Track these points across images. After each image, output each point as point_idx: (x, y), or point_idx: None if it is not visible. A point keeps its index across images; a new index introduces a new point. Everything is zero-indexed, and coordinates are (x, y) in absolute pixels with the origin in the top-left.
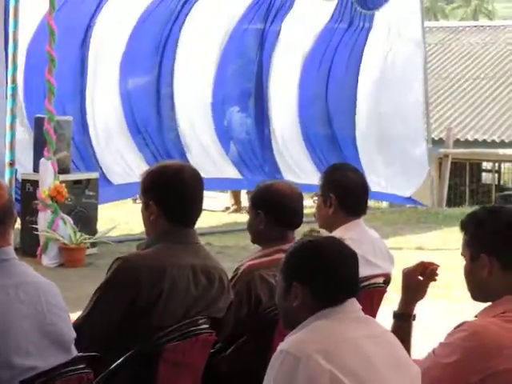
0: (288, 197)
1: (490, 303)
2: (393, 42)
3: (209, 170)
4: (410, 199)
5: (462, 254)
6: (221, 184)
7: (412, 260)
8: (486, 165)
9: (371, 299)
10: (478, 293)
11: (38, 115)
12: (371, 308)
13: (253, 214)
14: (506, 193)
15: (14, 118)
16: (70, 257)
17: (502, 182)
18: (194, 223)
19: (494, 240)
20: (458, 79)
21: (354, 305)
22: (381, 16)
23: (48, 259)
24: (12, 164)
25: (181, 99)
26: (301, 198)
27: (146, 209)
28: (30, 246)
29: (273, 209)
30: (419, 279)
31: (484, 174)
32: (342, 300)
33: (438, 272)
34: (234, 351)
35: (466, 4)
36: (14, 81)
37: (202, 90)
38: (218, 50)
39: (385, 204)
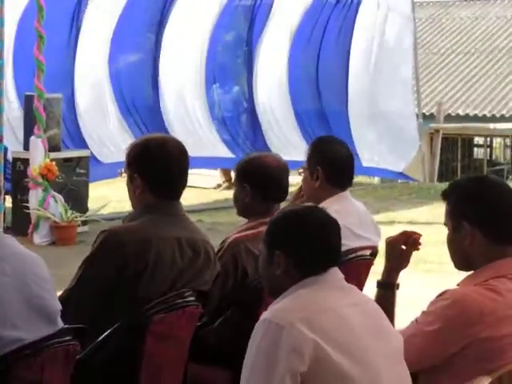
0: (274, 170)
1: (472, 272)
2: (382, 17)
3: (200, 148)
4: (401, 174)
5: (444, 224)
6: (212, 162)
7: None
8: (477, 140)
9: (358, 272)
10: (460, 262)
11: (27, 93)
12: (358, 280)
13: (238, 187)
14: (498, 167)
15: (0, 93)
16: (61, 235)
17: (493, 157)
18: (179, 196)
19: (476, 209)
20: (449, 54)
21: (336, 274)
22: None
23: (39, 237)
24: (0, 140)
25: (171, 77)
26: (287, 172)
27: (131, 182)
28: (21, 225)
29: (258, 182)
30: (402, 248)
31: (476, 149)
32: (324, 269)
33: (420, 241)
34: (221, 323)
35: None
36: (0, 57)
37: (195, 67)
38: (210, 26)
39: (376, 180)
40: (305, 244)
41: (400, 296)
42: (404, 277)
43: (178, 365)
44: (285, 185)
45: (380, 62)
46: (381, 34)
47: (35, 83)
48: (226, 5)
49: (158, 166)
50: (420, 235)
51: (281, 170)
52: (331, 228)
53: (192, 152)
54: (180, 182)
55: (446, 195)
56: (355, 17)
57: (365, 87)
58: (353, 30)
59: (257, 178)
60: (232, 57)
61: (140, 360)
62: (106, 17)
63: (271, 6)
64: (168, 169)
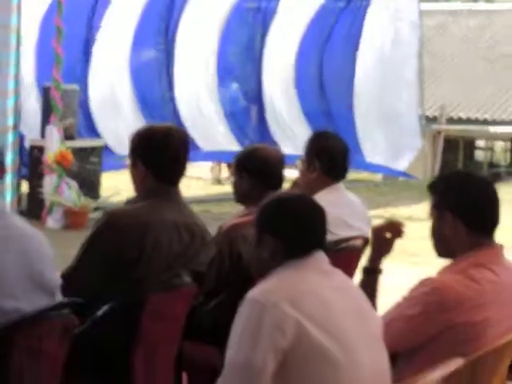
0: (271, 161)
1: (451, 261)
2: (390, 21)
3: (212, 142)
4: (403, 173)
5: (429, 214)
6: (224, 156)
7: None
8: (479, 143)
9: (349, 260)
10: (442, 250)
11: (45, 84)
12: (349, 268)
13: (237, 176)
14: (496, 170)
15: (17, 83)
16: (73, 219)
17: (494, 160)
18: (179, 182)
19: (459, 200)
20: (454, 60)
21: (320, 257)
22: None
23: (53, 221)
24: (15, 127)
25: (185, 74)
26: (282, 163)
27: (134, 167)
28: (36, 209)
29: (256, 172)
30: (386, 236)
31: (477, 152)
32: (309, 252)
33: (404, 230)
34: (216, 304)
35: None
36: (17, 49)
37: (206, 66)
38: (221, 26)
39: (379, 177)
40: (291, 228)
41: (394, 285)
42: (401, 269)
43: (172, 342)
44: (280, 174)
45: (386, 65)
46: (388, 39)
47: (53, 75)
48: (236, 5)
49: (160, 153)
50: (403, 224)
51: (277, 161)
52: (317, 214)
53: (205, 146)
54: (180, 169)
55: (432, 187)
56: (363, 21)
57: (371, 88)
58: (360, 33)
59: (255, 168)
60: (241, 56)
61: (136, 336)
62: (126, 14)
63: (277, 9)
64: (169, 156)
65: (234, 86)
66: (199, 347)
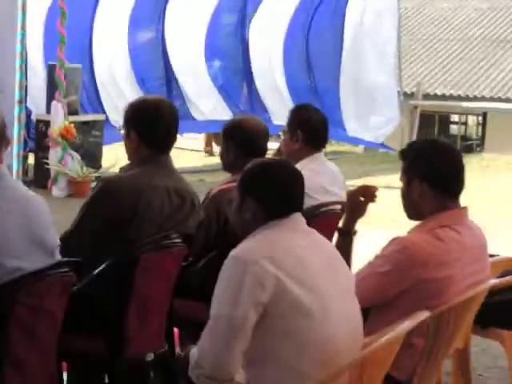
0: (255, 132)
1: (420, 221)
2: (370, 4)
3: (206, 113)
4: (382, 144)
5: (400, 179)
6: (216, 125)
7: (380, 197)
8: (453, 117)
9: (328, 223)
10: (411, 212)
11: (50, 63)
12: (328, 231)
13: (224, 145)
14: (469, 142)
15: (22, 61)
16: (77, 188)
17: (467, 133)
18: (170, 150)
19: (427, 166)
20: (431, 40)
21: (298, 218)
22: None
23: (58, 190)
24: (21, 102)
25: (178, 53)
26: (266, 133)
27: (127, 137)
28: (42, 179)
29: (241, 142)
30: (361, 200)
31: (452, 126)
32: (288, 214)
33: (376, 194)
34: (204, 265)
35: None
36: (23, 28)
37: (197, 46)
38: (211, 9)
39: (360, 149)
40: (272, 191)
41: (374, 247)
42: (378, 233)
43: (163, 299)
44: (264, 144)
45: (367, 45)
46: (369, 21)
47: (57, 54)
48: None
49: (152, 123)
50: (376, 189)
51: (261, 132)
52: (295, 179)
53: (200, 117)
54: (170, 139)
55: (402, 155)
56: (345, 4)
57: (353, 65)
58: (344, 15)
59: (240, 138)
60: (229, 37)
61: (129, 293)
62: None
63: None
64: (161, 126)
65: (217, 63)
66: (189, 303)
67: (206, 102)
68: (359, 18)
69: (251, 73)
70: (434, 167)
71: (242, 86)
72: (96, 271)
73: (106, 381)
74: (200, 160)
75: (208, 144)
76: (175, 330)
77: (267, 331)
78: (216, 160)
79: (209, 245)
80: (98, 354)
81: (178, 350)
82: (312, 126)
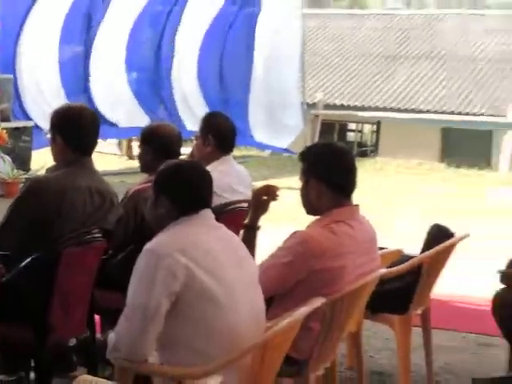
0: (170, 137)
1: (318, 217)
2: (278, 24)
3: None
4: (286, 150)
5: (299, 179)
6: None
7: (281, 196)
8: (351, 126)
9: (235, 219)
10: (309, 208)
11: None
12: (235, 226)
13: (142, 149)
14: (364, 148)
15: None
16: (7, 189)
17: (363, 140)
18: (91, 152)
19: (322, 168)
20: (331, 55)
21: (207, 214)
22: (267, 0)
23: None
24: None
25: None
26: (180, 139)
27: (53, 141)
28: None
29: (158, 146)
30: (264, 198)
31: (349, 133)
32: (198, 210)
33: (278, 193)
34: (122, 258)
35: None
36: None
37: (118, 58)
38: (131, 24)
39: (267, 153)
40: (183, 190)
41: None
42: (280, 228)
43: (85, 289)
44: (178, 147)
45: (274, 61)
46: (276, 38)
47: None
48: (145, 8)
49: (76, 128)
50: (278, 188)
51: (175, 136)
52: (205, 179)
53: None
54: (92, 142)
55: (302, 157)
56: (256, 22)
57: (262, 79)
58: (254, 33)
59: (156, 142)
60: (149, 50)
61: (53, 285)
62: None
63: (183, 12)
64: (83, 131)
65: (135, 75)
66: (108, 293)
67: (123, 110)
68: (267, 36)
69: (168, 83)
70: (329, 169)
71: (158, 95)
72: (23, 264)
73: (32, 365)
74: (121, 163)
75: (128, 148)
76: (96, 317)
77: (179, 318)
78: (135, 163)
79: (127, 239)
80: (25, 342)
81: (98, 335)
82: (222, 132)
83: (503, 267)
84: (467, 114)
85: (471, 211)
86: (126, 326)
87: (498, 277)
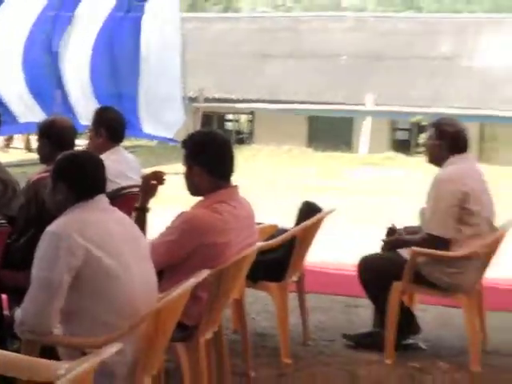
0: (66, 130)
1: (201, 198)
2: (159, 27)
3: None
4: (171, 139)
5: (183, 165)
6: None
7: (169, 181)
8: (229, 116)
9: (127, 203)
10: (193, 191)
11: None
12: (128, 209)
13: (40, 141)
14: (241, 136)
15: None
16: None
17: (240, 129)
18: None
19: (203, 154)
20: (210, 54)
21: (101, 199)
22: (149, 6)
23: None
24: None
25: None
26: (75, 131)
27: None
28: None
29: (54, 138)
30: (152, 183)
31: (227, 123)
32: (92, 195)
33: (165, 178)
34: (25, 241)
35: (219, 2)
36: None
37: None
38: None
39: (154, 143)
40: (78, 177)
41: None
42: (167, 209)
43: None
44: (73, 138)
45: (157, 60)
46: (157, 39)
47: None
48: (39, 14)
49: None
50: (164, 173)
51: (70, 128)
52: (98, 166)
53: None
54: None
55: (184, 144)
56: (140, 25)
57: (148, 77)
58: (139, 35)
59: (53, 134)
60: (44, 49)
61: None
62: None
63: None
64: None
65: (32, 72)
66: (14, 274)
67: (22, 106)
68: (151, 38)
69: (62, 80)
70: (209, 155)
71: (53, 91)
72: None
73: None
74: (22, 155)
75: (27, 142)
76: (3, 296)
77: (80, 292)
78: (35, 155)
79: (29, 224)
80: None
81: (6, 312)
82: (113, 125)
83: (382, 236)
84: (330, 103)
85: (336, 188)
86: (31, 300)
87: (362, 244)
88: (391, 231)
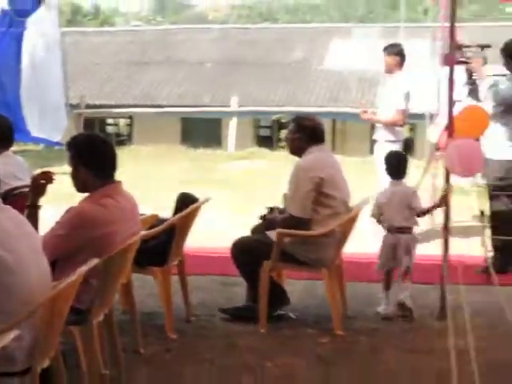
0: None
1: (88, 194)
2: (41, 40)
3: None
4: (57, 143)
5: (68, 165)
6: None
7: (58, 180)
8: (109, 120)
9: (19, 201)
10: (80, 188)
11: None
12: (20, 207)
13: None
14: (121, 138)
15: None
16: None
17: (120, 132)
18: None
19: (86, 154)
20: (88, 65)
21: None
22: (31, 21)
23: None
24: None
25: None
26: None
27: None
28: None
29: None
30: (41, 182)
31: (108, 127)
32: None
33: (53, 178)
34: None
35: (96, 17)
36: None
37: None
38: None
39: (41, 147)
40: None
41: (54, 216)
42: (57, 206)
43: None
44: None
45: (39, 71)
46: (39, 52)
47: None
48: None
49: None
50: (53, 173)
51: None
52: None
53: None
54: None
55: (68, 146)
56: (22, 39)
57: (31, 86)
58: (21, 48)
59: None
60: None
61: None
62: None
63: None
64: None
65: None
66: None
67: None
68: (33, 51)
69: None
70: (91, 155)
71: None
72: None
73: None
74: None
75: None
76: None
77: None
78: None
79: None
80: None
81: None
82: (1, 130)
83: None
84: (200, 106)
85: (208, 181)
86: None
87: (235, 229)
88: (271, 210)
